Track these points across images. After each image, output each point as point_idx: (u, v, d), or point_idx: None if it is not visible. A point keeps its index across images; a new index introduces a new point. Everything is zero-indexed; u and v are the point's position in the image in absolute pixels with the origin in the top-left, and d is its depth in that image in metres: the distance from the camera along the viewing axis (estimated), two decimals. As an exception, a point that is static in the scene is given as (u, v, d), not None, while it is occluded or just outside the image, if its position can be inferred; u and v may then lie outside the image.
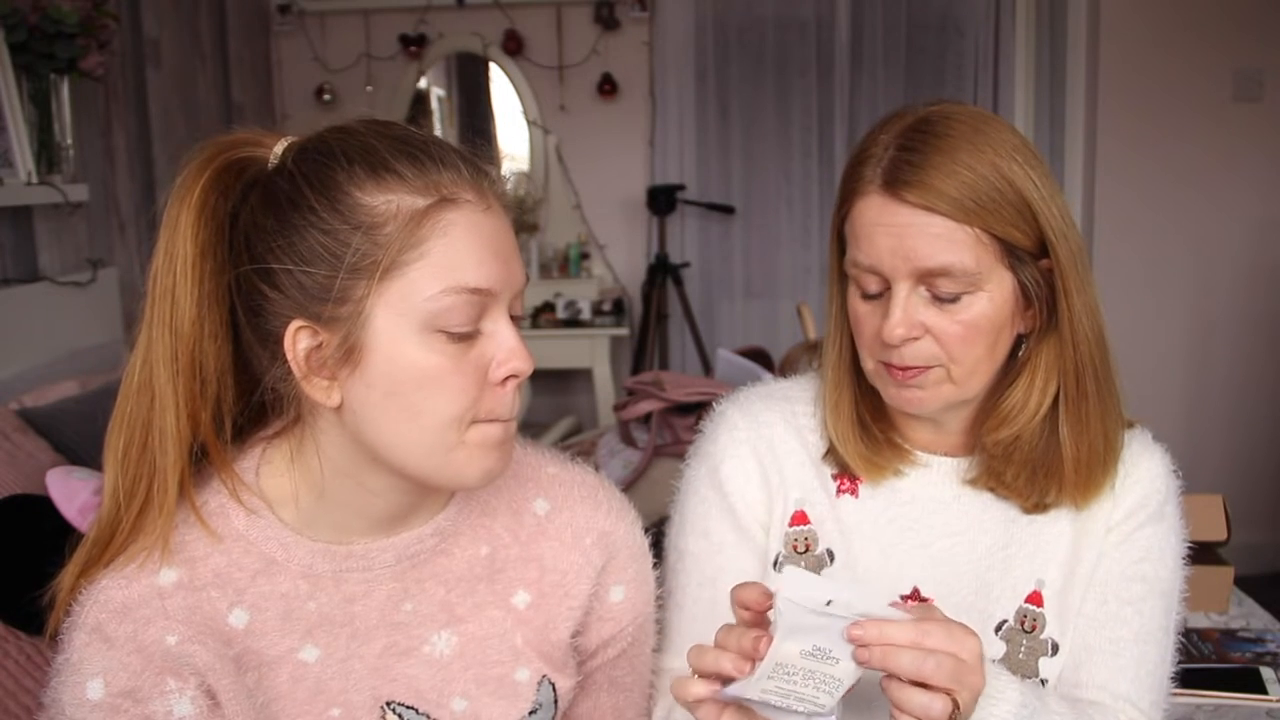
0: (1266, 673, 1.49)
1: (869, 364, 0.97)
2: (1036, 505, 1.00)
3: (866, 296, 0.94)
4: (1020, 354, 0.98)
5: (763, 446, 1.04)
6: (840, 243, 0.98)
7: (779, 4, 3.87)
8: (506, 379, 0.81)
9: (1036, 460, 0.99)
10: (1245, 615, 1.70)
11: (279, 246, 0.78)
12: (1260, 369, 3.46)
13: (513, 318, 0.83)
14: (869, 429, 1.01)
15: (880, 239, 0.91)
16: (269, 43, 3.94)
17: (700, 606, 1.05)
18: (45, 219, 2.46)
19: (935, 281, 0.90)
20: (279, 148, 0.82)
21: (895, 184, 0.90)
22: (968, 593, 1.00)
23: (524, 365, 0.81)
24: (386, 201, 0.77)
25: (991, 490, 1.01)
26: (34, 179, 2.31)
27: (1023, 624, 0.99)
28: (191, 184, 0.80)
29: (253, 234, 0.80)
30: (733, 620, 1.04)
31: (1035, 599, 1.00)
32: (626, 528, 0.98)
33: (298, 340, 0.79)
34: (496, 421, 0.82)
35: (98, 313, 2.56)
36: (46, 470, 1.67)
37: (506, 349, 0.80)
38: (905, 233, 0.90)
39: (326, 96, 3.94)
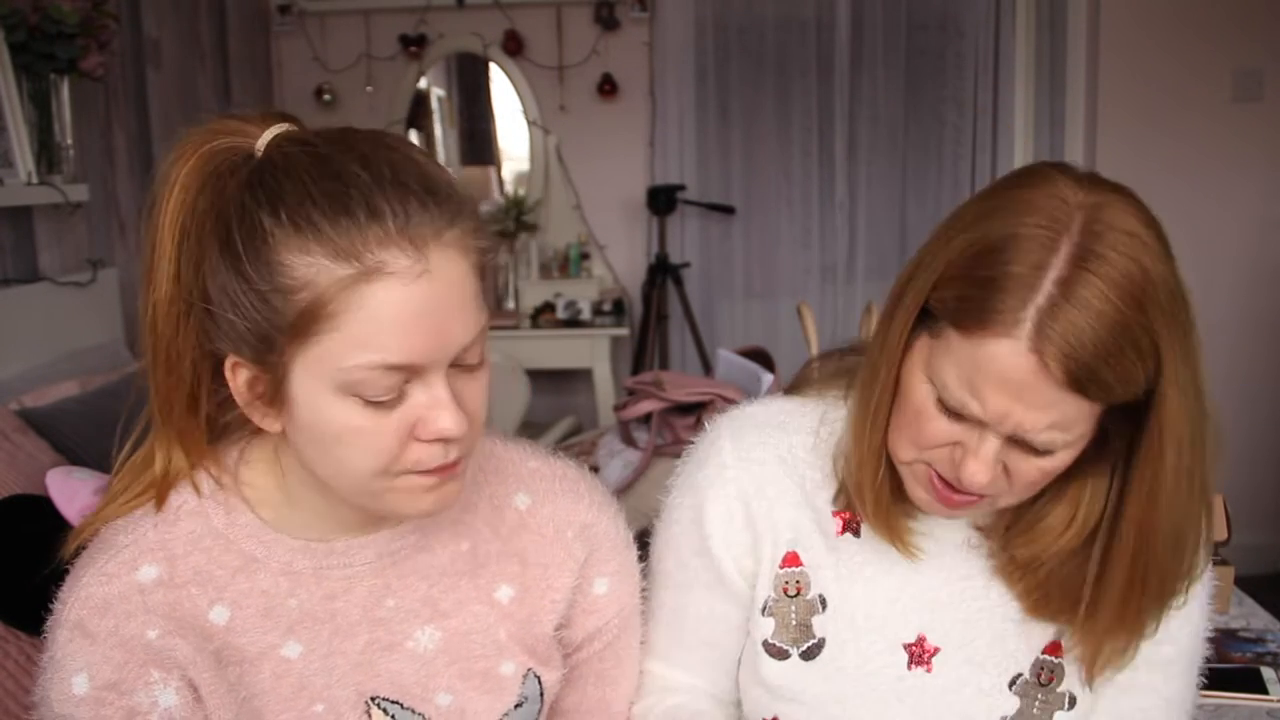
0: (1267, 673, 1.49)
1: (908, 454, 0.87)
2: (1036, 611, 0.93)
3: (944, 408, 0.83)
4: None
5: (752, 488, 0.98)
6: (922, 310, 0.84)
7: (779, 4, 3.87)
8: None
9: (1052, 584, 0.91)
10: (1245, 615, 1.70)
11: (215, 286, 0.76)
12: (1260, 369, 3.46)
13: (465, 366, 0.78)
14: (894, 503, 0.93)
15: (997, 395, 0.78)
16: (269, 43, 3.94)
17: (672, 629, 1.04)
18: (45, 219, 2.46)
19: (1033, 440, 0.80)
20: (261, 142, 0.79)
21: (1053, 358, 0.75)
22: (981, 643, 0.94)
23: (453, 429, 0.76)
24: (306, 265, 0.72)
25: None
26: (34, 179, 2.31)
27: (1039, 677, 0.94)
28: (171, 181, 0.79)
29: (203, 258, 0.77)
30: (699, 652, 1.02)
31: (1054, 649, 0.94)
32: (609, 520, 0.97)
33: (237, 374, 0.78)
34: (426, 472, 0.78)
35: (98, 313, 2.56)
36: (46, 470, 1.68)
37: (434, 413, 0.76)
38: (1033, 402, 0.78)
39: (326, 96, 3.94)
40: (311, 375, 0.74)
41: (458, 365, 0.77)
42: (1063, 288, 0.75)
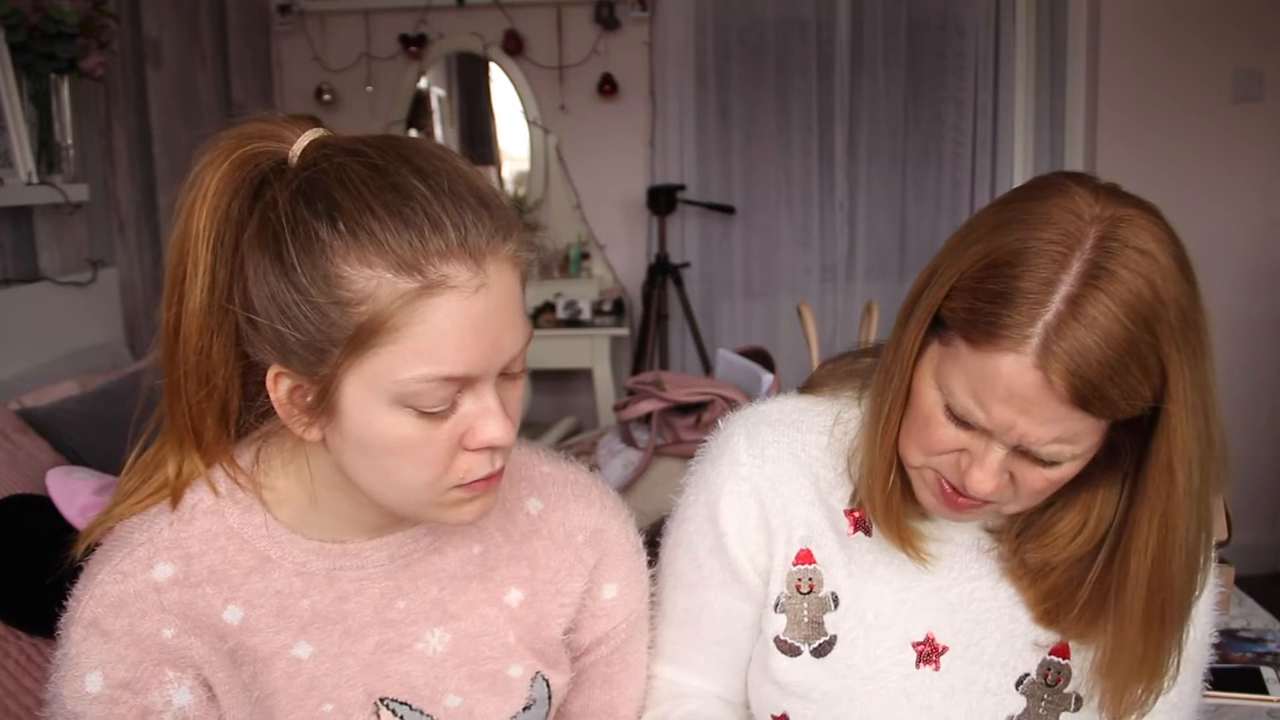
0: (1267, 673, 1.49)
1: (917, 459, 0.87)
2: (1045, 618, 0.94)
3: (952, 416, 0.84)
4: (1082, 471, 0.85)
5: (766, 486, 0.98)
6: (933, 318, 0.84)
7: (779, 4, 3.87)
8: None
9: (1062, 594, 0.92)
10: (1245, 615, 1.70)
11: (262, 296, 0.75)
12: (1260, 369, 3.46)
13: (510, 375, 0.79)
14: (905, 505, 0.93)
15: (1002, 408, 0.78)
16: (269, 43, 3.93)
17: (685, 630, 1.04)
18: (45, 219, 2.46)
19: (1038, 452, 0.81)
20: (297, 148, 0.78)
21: (1058, 374, 0.75)
22: (989, 643, 0.95)
23: (502, 438, 0.77)
24: (366, 278, 0.71)
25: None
26: (34, 179, 2.31)
27: (1045, 677, 0.95)
28: (204, 187, 0.78)
29: (247, 261, 0.77)
30: (712, 652, 1.02)
31: (1062, 651, 0.95)
32: (619, 526, 0.98)
33: (279, 384, 0.77)
34: (473, 484, 0.79)
35: (98, 313, 2.56)
36: (46, 470, 1.68)
37: (483, 421, 0.76)
38: (1038, 416, 0.78)
39: (326, 96, 3.94)
40: (366, 387, 0.74)
41: (504, 374, 0.78)
42: (1071, 305, 0.75)
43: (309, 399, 0.76)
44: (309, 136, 0.78)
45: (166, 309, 0.80)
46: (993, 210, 0.84)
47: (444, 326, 0.72)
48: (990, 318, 0.77)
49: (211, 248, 0.78)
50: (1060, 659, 0.95)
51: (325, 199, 0.73)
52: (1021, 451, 0.81)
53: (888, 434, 0.89)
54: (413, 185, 0.73)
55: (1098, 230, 0.77)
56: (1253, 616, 1.69)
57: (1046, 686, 0.95)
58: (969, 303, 0.79)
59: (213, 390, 0.82)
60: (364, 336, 0.72)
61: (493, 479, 0.80)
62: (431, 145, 0.78)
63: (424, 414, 0.74)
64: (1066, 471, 0.83)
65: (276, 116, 0.80)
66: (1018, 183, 3.87)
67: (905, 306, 0.88)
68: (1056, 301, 0.75)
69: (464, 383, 0.75)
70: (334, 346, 0.73)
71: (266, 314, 0.75)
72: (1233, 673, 1.49)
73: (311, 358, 0.74)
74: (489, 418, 0.76)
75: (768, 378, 2.39)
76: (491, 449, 0.78)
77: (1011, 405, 0.78)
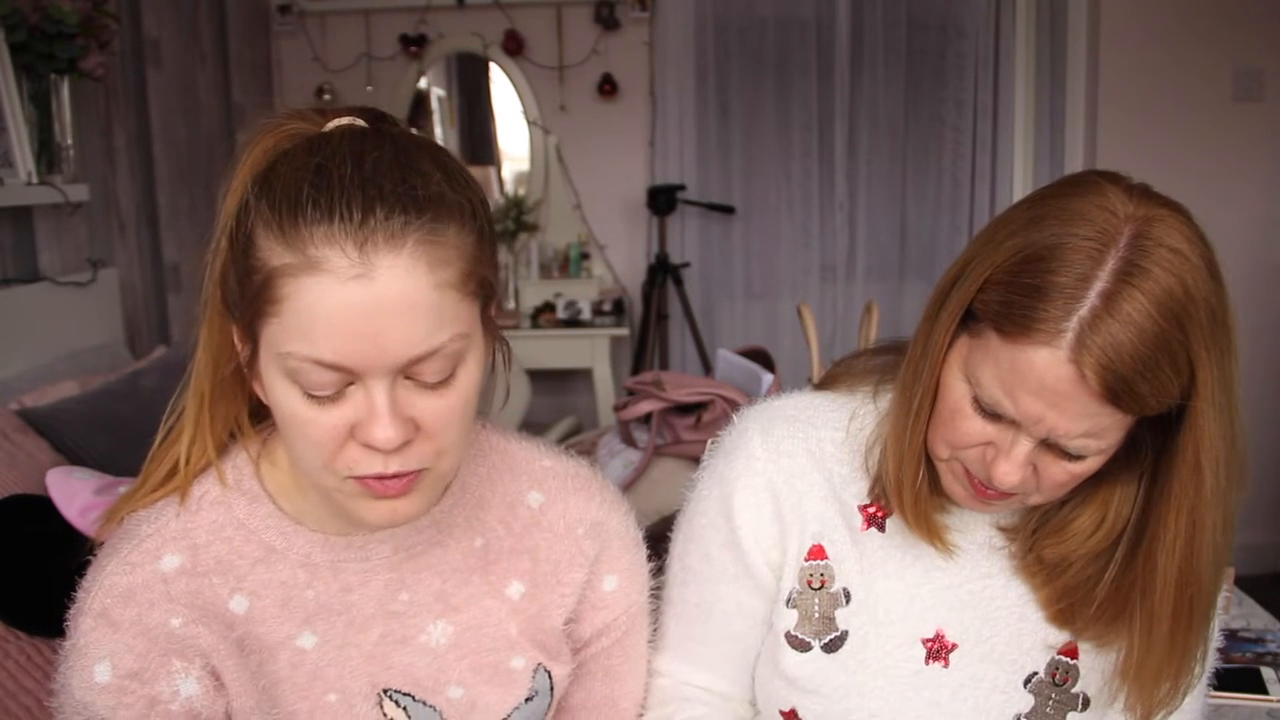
0: (1267, 673, 1.49)
1: (944, 452, 0.88)
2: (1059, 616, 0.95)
3: (979, 408, 0.85)
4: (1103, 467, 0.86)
5: (780, 480, 0.98)
6: (965, 312, 0.85)
7: (779, 4, 3.87)
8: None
9: (1077, 594, 0.93)
10: (1245, 615, 1.70)
11: (228, 255, 0.78)
12: (1261, 369, 3.46)
13: (423, 382, 0.75)
14: (931, 501, 0.94)
15: (1032, 401, 0.79)
16: (269, 43, 3.94)
17: (695, 626, 1.04)
18: (45, 219, 2.46)
19: (1065, 445, 0.82)
20: (330, 126, 0.80)
21: (1091, 368, 0.76)
22: (998, 641, 0.96)
23: (382, 441, 0.74)
24: (267, 246, 0.73)
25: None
26: (34, 179, 2.31)
27: (1054, 676, 0.95)
28: (245, 156, 0.81)
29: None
30: (722, 647, 1.03)
31: (1070, 651, 0.95)
32: (620, 518, 0.99)
33: (240, 342, 0.80)
34: (366, 481, 0.77)
35: (98, 313, 2.56)
36: (46, 470, 1.68)
37: (368, 419, 0.74)
38: (1068, 410, 0.79)
39: (327, 96, 3.94)
40: (268, 354, 0.75)
41: (414, 379, 0.75)
42: (1106, 300, 0.76)
43: (249, 359, 0.78)
44: (338, 123, 0.80)
45: (209, 262, 0.82)
46: (1026, 206, 0.84)
47: (315, 309, 0.71)
48: (1025, 310, 0.78)
49: (235, 210, 0.79)
50: (1069, 659, 0.95)
51: (270, 171, 0.75)
52: (1048, 445, 0.82)
53: (917, 429, 0.89)
54: (329, 168, 0.73)
55: (1132, 228, 0.78)
56: (1253, 616, 1.69)
57: (1054, 686, 0.95)
58: (1003, 295, 0.80)
59: (226, 338, 0.83)
60: (260, 304, 0.73)
61: (390, 483, 0.77)
62: (415, 140, 0.78)
63: (310, 394, 0.74)
64: (1089, 466, 0.83)
65: (332, 108, 0.82)
66: (1018, 182, 3.89)
67: (934, 301, 0.88)
68: (1092, 297, 0.76)
69: (348, 373, 0.73)
70: (248, 308, 0.75)
71: (229, 269, 0.77)
72: (1233, 673, 1.49)
73: (241, 317, 0.76)
74: (374, 418, 0.74)
75: (768, 378, 2.39)
76: (384, 450, 0.75)
77: (1042, 398, 0.79)
